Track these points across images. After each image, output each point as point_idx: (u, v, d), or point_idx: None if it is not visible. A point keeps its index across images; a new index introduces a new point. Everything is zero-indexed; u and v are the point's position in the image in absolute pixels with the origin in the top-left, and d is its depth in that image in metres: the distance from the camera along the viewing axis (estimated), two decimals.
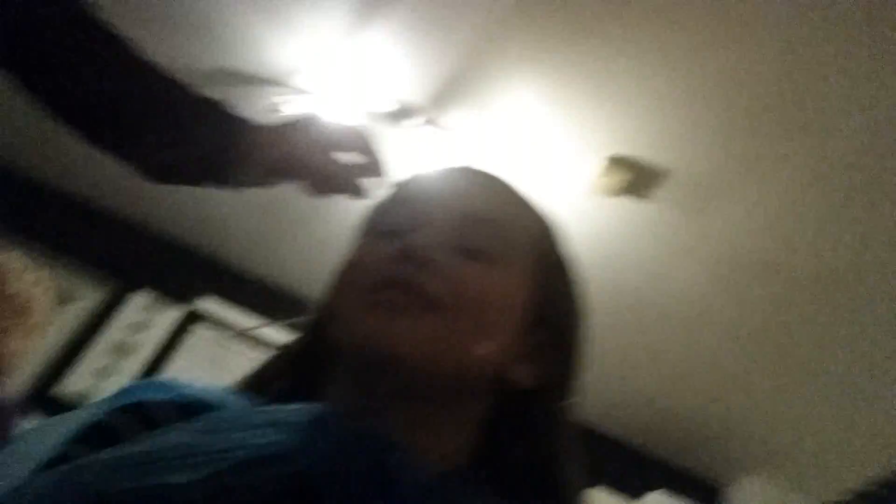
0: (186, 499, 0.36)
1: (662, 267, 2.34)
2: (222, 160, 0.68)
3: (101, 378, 2.81)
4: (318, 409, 0.46)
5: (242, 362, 2.80)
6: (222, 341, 3.00)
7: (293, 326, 0.60)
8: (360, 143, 0.69)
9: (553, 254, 0.56)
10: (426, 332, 0.45)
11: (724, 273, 2.25)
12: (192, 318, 3.03)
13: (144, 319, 2.98)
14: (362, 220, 0.59)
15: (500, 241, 0.51)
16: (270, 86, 2.22)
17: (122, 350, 2.88)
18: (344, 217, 2.63)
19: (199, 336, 3.03)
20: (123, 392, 0.47)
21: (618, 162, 2.05)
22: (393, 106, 2.15)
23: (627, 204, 2.17)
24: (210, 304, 3.06)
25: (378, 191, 0.63)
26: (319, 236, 2.75)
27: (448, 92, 2.08)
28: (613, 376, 2.71)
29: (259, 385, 0.55)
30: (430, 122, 2.18)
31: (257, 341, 2.89)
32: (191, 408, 0.46)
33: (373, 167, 0.72)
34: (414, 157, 2.27)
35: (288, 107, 2.18)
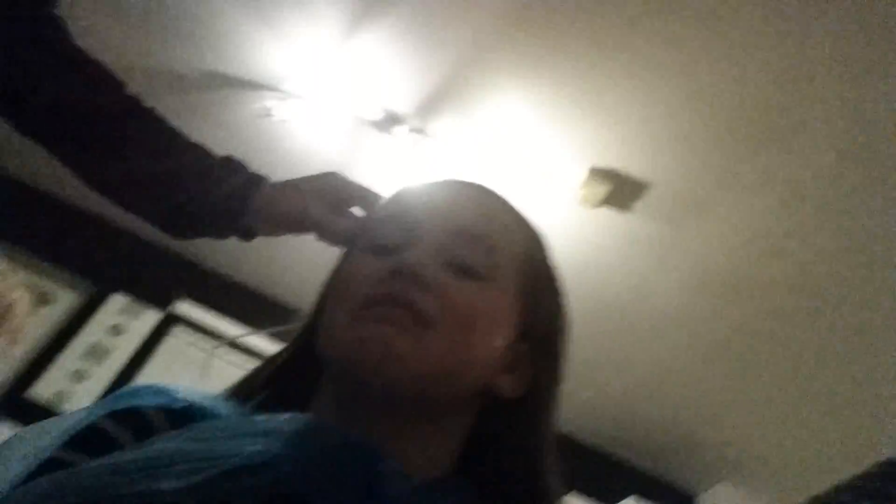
0: None
1: (639, 278, 2.37)
2: (238, 214, 0.70)
3: (75, 381, 2.76)
4: (307, 419, 0.46)
5: (220, 366, 2.77)
6: (199, 345, 2.97)
7: (276, 335, 0.61)
8: (377, 202, 0.71)
9: (541, 268, 0.57)
10: (419, 349, 0.46)
11: (700, 285, 2.29)
12: (170, 322, 3.00)
13: (121, 322, 2.94)
14: (353, 233, 0.60)
15: (490, 258, 0.51)
16: (261, 90, 2.22)
17: (97, 353, 2.84)
18: None
19: (176, 340, 3.00)
20: (116, 397, 0.47)
21: (599, 173, 2.08)
22: (381, 113, 2.16)
23: (607, 215, 2.20)
24: (187, 308, 3.03)
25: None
26: (300, 242, 2.73)
27: (434, 101, 2.10)
28: (588, 384, 2.73)
29: (247, 393, 0.55)
30: (416, 130, 2.19)
31: (235, 346, 2.87)
32: (183, 414, 0.47)
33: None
34: (400, 164, 2.28)
35: (278, 111, 2.18)
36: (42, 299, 2.83)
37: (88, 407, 0.47)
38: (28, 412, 2.57)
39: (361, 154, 2.34)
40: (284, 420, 0.44)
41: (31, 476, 0.40)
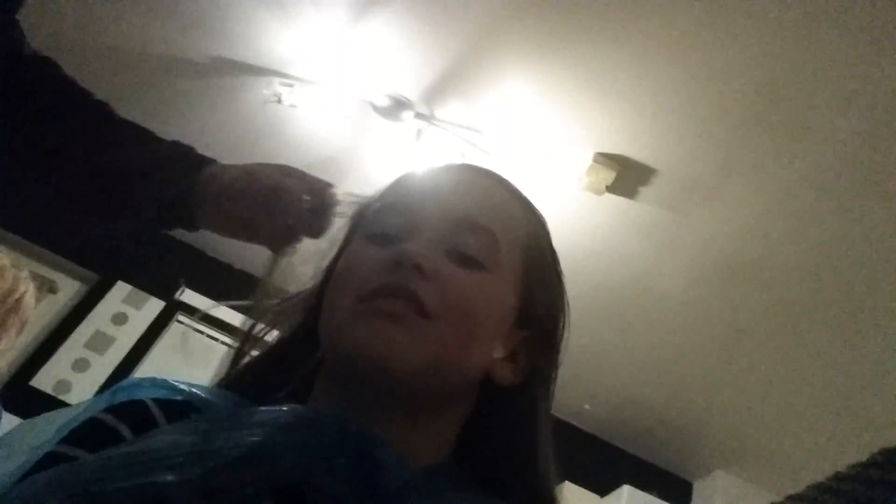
0: (180, 497, 0.36)
1: (643, 264, 2.36)
2: (184, 192, 0.69)
3: (78, 370, 2.77)
4: (306, 408, 0.46)
5: (222, 355, 2.78)
6: (203, 334, 2.98)
7: (265, 317, 0.60)
8: (326, 197, 0.70)
9: (541, 256, 0.56)
10: (420, 341, 0.45)
11: (704, 272, 2.28)
12: (173, 311, 3.01)
13: (125, 311, 2.95)
14: (353, 219, 0.59)
15: (492, 247, 0.51)
16: (269, 76, 2.21)
17: (101, 342, 2.85)
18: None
19: (180, 329, 3.01)
20: (116, 390, 0.47)
21: (604, 159, 2.07)
22: (387, 98, 2.15)
23: (612, 201, 2.19)
24: (191, 297, 3.03)
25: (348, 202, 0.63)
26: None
27: (441, 86, 2.09)
28: (586, 371, 2.73)
29: (245, 381, 0.55)
30: (422, 115, 2.18)
31: (238, 334, 2.87)
32: (183, 406, 0.46)
33: (317, 227, 0.72)
34: (406, 149, 2.28)
35: (286, 96, 2.18)
36: (46, 288, 2.84)
37: (88, 400, 0.47)
38: (31, 401, 2.58)
39: (368, 139, 2.33)
40: (284, 410, 0.44)
41: (32, 470, 0.40)
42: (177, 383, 0.48)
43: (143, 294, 3.01)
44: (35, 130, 0.70)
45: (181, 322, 3.02)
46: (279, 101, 2.19)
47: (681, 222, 2.17)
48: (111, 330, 2.90)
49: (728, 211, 2.08)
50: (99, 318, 2.91)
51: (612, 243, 2.33)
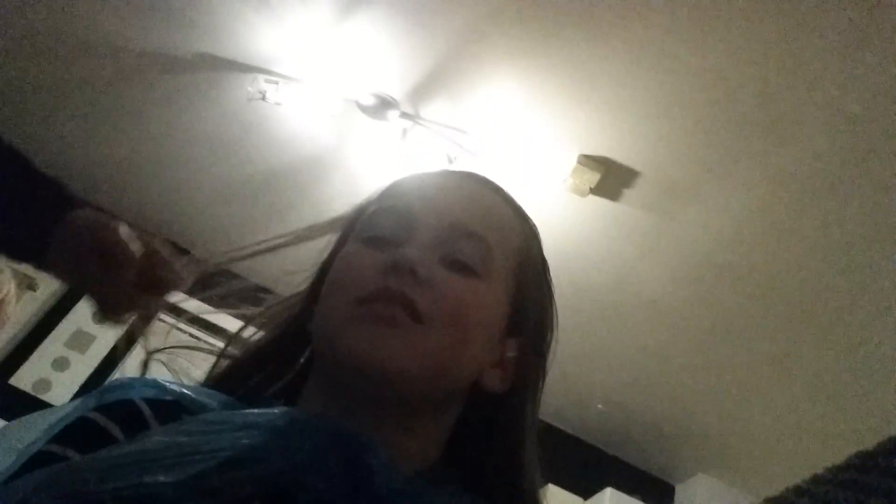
0: (172, 498, 0.37)
1: (625, 266, 2.38)
2: (45, 237, 0.69)
3: (59, 369, 2.74)
4: (298, 411, 0.47)
5: (206, 355, 2.76)
6: (185, 331, 2.95)
7: (254, 320, 0.60)
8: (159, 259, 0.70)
9: (533, 264, 0.57)
10: (414, 346, 0.46)
11: (687, 274, 2.31)
12: None
13: None
14: (348, 220, 0.59)
15: (486, 255, 0.52)
16: (254, 73, 2.20)
17: (81, 341, 2.82)
18: (314, 212, 2.62)
19: (161, 327, 2.97)
20: (105, 389, 0.47)
21: (589, 161, 2.08)
22: (372, 97, 2.14)
23: (597, 202, 2.20)
24: (173, 296, 3.00)
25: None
26: (288, 229, 2.72)
27: (426, 86, 2.09)
28: (569, 374, 2.74)
29: (232, 381, 0.55)
30: (407, 115, 2.18)
31: (222, 333, 2.85)
32: (172, 405, 0.46)
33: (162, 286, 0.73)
34: (391, 149, 2.27)
35: (271, 94, 2.17)
36: (25, 286, 2.80)
37: (78, 399, 0.47)
38: (10, 400, 2.55)
39: (353, 137, 2.33)
40: (275, 413, 0.44)
41: (23, 469, 0.40)
42: (166, 383, 0.48)
43: None
44: None
45: (162, 320, 2.99)
46: (263, 99, 2.18)
47: (664, 224, 2.19)
48: (92, 328, 2.86)
49: (710, 213, 2.10)
50: (79, 316, 2.87)
51: (595, 245, 2.34)
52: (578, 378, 2.80)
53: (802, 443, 2.63)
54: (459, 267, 0.50)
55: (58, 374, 2.72)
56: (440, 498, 0.45)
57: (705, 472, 3.04)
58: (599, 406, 2.79)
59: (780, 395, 2.54)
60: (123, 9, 2.16)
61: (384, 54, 2.04)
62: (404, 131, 2.22)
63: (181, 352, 0.59)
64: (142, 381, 0.48)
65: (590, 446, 3.18)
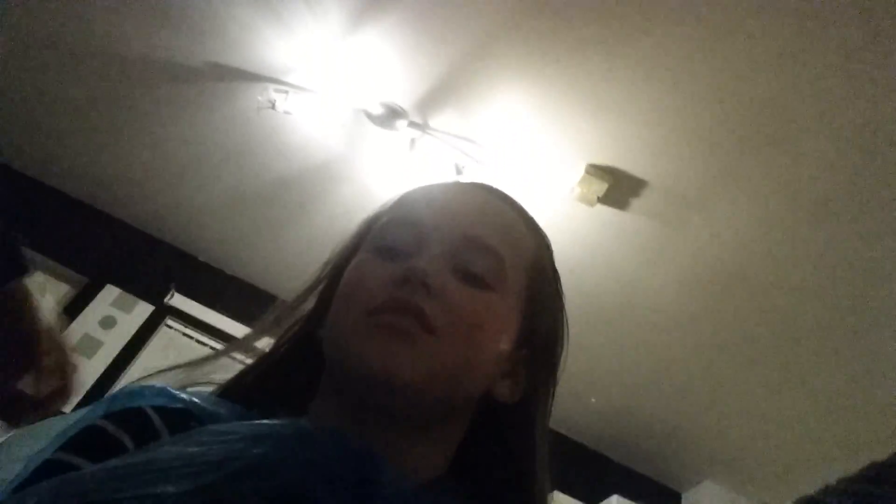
0: None
1: (633, 276, 2.37)
2: None
3: None
4: (308, 423, 0.46)
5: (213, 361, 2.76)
6: (192, 338, 2.96)
7: (267, 330, 0.60)
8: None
9: (545, 276, 0.57)
10: (425, 357, 0.46)
11: (694, 283, 2.30)
12: (162, 315, 2.99)
13: (113, 315, 2.92)
14: (360, 230, 0.59)
15: (498, 267, 0.51)
16: (264, 82, 2.21)
17: (89, 346, 2.83)
18: (323, 221, 2.63)
19: (169, 333, 2.99)
20: (114, 397, 0.47)
21: (596, 171, 2.08)
22: (381, 107, 2.15)
23: (604, 212, 2.20)
24: (180, 301, 3.02)
25: None
26: (297, 238, 2.73)
27: (435, 96, 2.10)
28: (576, 382, 2.74)
29: (244, 390, 0.55)
30: (416, 124, 2.18)
31: (230, 340, 2.86)
32: (181, 414, 0.46)
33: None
34: (399, 158, 2.28)
35: (280, 103, 2.18)
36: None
37: (86, 408, 0.47)
38: None
39: (362, 147, 2.34)
40: (284, 424, 0.44)
41: (31, 478, 0.40)
42: (176, 392, 0.48)
43: (132, 298, 2.98)
44: None
45: (171, 327, 3.00)
46: (273, 108, 2.19)
47: (671, 234, 2.19)
48: (99, 334, 2.87)
49: (717, 223, 2.10)
50: (87, 321, 2.89)
51: (602, 254, 2.34)
52: (584, 384, 2.79)
53: (809, 451, 2.61)
54: (472, 279, 0.50)
55: None
56: None
57: (712, 479, 3.03)
58: (593, 400, 2.78)
59: (787, 403, 2.52)
60: (135, 19, 2.19)
61: (393, 64, 2.05)
62: (413, 141, 2.23)
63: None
64: (151, 390, 0.48)
65: (596, 454, 3.17)
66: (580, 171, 2.09)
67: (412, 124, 2.18)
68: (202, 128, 2.45)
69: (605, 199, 2.15)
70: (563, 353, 0.57)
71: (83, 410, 0.46)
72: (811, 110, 1.74)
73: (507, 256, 0.52)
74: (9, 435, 0.50)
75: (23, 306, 0.68)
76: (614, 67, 1.83)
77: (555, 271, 0.59)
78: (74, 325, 2.86)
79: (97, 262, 3.03)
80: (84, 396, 2.72)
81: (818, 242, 2.01)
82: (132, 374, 2.81)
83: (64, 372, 0.70)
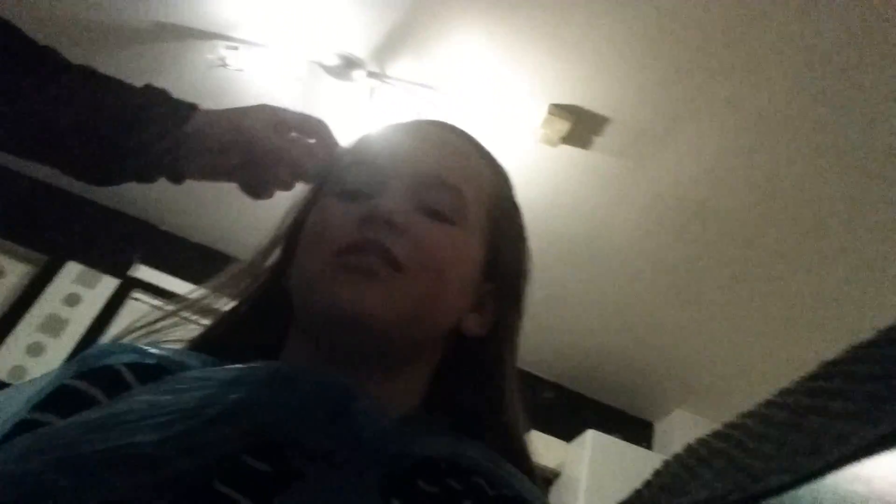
0: (159, 456, 0.37)
1: (599, 213, 2.40)
2: (172, 146, 0.64)
3: (33, 355, 2.70)
4: (280, 364, 0.47)
5: (188, 331, 2.73)
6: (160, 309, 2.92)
7: (223, 286, 0.59)
8: (319, 127, 0.67)
9: (506, 209, 0.58)
10: (394, 294, 0.46)
11: (659, 217, 2.34)
12: (128, 288, 2.94)
13: (77, 292, 2.86)
14: (320, 176, 0.58)
15: (459, 202, 0.52)
16: (214, 39, 2.13)
17: (54, 325, 2.77)
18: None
19: (135, 307, 2.94)
20: (85, 357, 0.46)
21: (559, 110, 2.08)
22: (337, 58, 2.10)
23: (568, 151, 2.21)
24: (145, 272, 2.96)
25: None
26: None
27: (392, 43, 2.05)
28: (545, 321, 2.78)
29: (214, 342, 0.55)
30: (374, 74, 2.14)
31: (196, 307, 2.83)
32: (154, 369, 0.46)
33: (327, 152, 0.71)
34: (359, 109, 2.24)
35: (232, 59, 2.11)
36: None
37: (58, 368, 0.46)
38: None
39: (320, 100, 2.29)
40: (259, 367, 0.44)
41: (5, 438, 0.40)
42: (147, 347, 0.48)
43: (95, 273, 2.92)
44: None
45: (137, 299, 2.95)
46: (225, 65, 2.12)
47: (635, 170, 2.21)
48: (64, 312, 2.81)
49: (681, 156, 2.12)
50: (50, 300, 2.82)
51: (568, 194, 2.35)
52: (555, 324, 2.84)
53: (778, 375, 2.70)
54: (434, 215, 0.51)
55: (33, 360, 2.69)
56: (427, 438, 0.46)
57: (682, 407, 3.14)
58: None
59: (754, 329, 2.61)
60: None
61: (347, 13, 2.00)
62: (372, 90, 2.19)
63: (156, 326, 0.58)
64: (121, 347, 0.48)
65: (569, 391, 3.25)
66: (543, 111, 2.08)
67: (370, 74, 2.14)
68: None
69: (569, 139, 2.15)
70: (529, 285, 0.58)
71: (54, 371, 0.46)
72: (772, 35, 1.74)
73: (467, 191, 0.53)
74: None
75: None
76: (573, 4, 1.81)
77: (515, 204, 0.60)
78: (38, 304, 2.79)
79: (55, 240, 2.94)
80: None
81: (781, 169, 2.04)
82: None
83: None
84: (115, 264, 2.94)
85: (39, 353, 2.70)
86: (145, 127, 0.64)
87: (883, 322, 0.30)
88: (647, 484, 0.37)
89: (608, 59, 1.92)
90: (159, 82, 0.71)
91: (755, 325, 2.58)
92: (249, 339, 0.54)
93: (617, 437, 2.85)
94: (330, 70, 2.12)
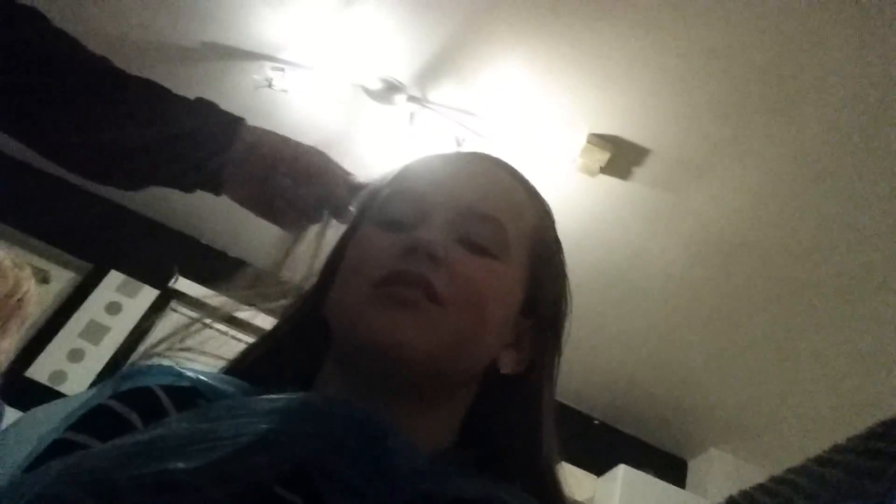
0: (192, 484, 0.36)
1: (637, 245, 2.37)
2: (221, 167, 0.66)
3: (73, 360, 2.76)
4: (316, 395, 0.47)
5: (219, 343, 2.77)
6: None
7: (273, 310, 0.59)
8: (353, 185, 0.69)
9: (547, 245, 0.57)
10: (433, 328, 0.46)
11: (699, 251, 2.29)
12: (167, 299, 3.00)
13: (118, 300, 2.93)
14: (362, 205, 0.58)
15: (500, 236, 0.51)
16: (260, 60, 2.19)
17: (95, 332, 2.84)
18: None
19: (174, 318, 2.99)
20: (121, 377, 0.47)
21: (599, 140, 2.06)
22: (379, 82, 2.13)
23: (607, 181, 2.19)
24: (185, 285, 3.02)
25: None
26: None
27: (433, 69, 2.07)
28: (582, 353, 2.74)
29: (250, 367, 0.55)
30: (415, 98, 2.16)
31: (234, 322, 2.87)
32: (189, 392, 0.46)
33: (341, 209, 0.72)
34: (399, 133, 2.26)
35: (278, 81, 2.16)
36: (39, 279, 2.82)
37: (94, 388, 0.47)
38: (26, 392, 2.57)
39: (361, 123, 2.32)
40: (293, 398, 0.44)
41: (41, 459, 0.40)
42: (182, 370, 0.48)
43: (136, 283, 2.99)
44: (33, 95, 0.65)
45: (175, 310, 3.01)
46: (270, 86, 2.17)
47: (675, 202, 2.18)
48: (105, 319, 2.88)
49: (722, 190, 2.08)
50: (93, 307, 2.90)
51: (607, 224, 2.33)
52: (590, 356, 2.80)
53: (815, 417, 2.62)
54: (476, 248, 0.50)
55: (73, 366, 2.75)
56: (459, 478, 0.45)
57: (718, 446, 3.05)
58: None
59: (794, 369, 2.53)
60: (130, 1, 2.16)
61: (390, 38, 2.03)
62: (412, 115, 2.21)
63: (192, 341, 0.58)
64: (158, 368, 0.48)
65: (603, 424, 3.19)
66: (582, 141, 2.07)
67: (411, 98, 2.16)
68: None
69: (608, 169, 2.13)
70: (567, 322, 0.57)
71: (91, 391, 0.46)
72: (814, 76, 1.71)
73: (509, 225, 0.52)
74: (18, 417, 0.50)
75: None
76: (615, 35, 1.81)
77: (557, 239, 0.59)
78: (80, 311, 2.87)
79: (101, 249, 3.03)
80: (93, 383, 2.74)
81: (822, 207, 1.99)
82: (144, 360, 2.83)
83: None
84: (155, 275, 3.00)
85: (79, 359, 2.77)
86: (196, 141, 0.66)
87: None
88: None
89: (649, 91, 1.90)
90: None
91: (797, 367, 2.50)
92: (285, 365, 0.54)
93: (649, 472, 2.78)
94: (372, 94, 2.16)
